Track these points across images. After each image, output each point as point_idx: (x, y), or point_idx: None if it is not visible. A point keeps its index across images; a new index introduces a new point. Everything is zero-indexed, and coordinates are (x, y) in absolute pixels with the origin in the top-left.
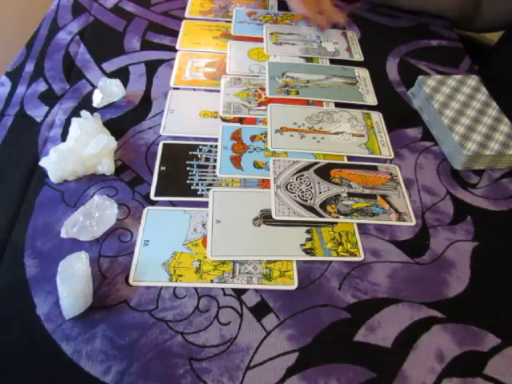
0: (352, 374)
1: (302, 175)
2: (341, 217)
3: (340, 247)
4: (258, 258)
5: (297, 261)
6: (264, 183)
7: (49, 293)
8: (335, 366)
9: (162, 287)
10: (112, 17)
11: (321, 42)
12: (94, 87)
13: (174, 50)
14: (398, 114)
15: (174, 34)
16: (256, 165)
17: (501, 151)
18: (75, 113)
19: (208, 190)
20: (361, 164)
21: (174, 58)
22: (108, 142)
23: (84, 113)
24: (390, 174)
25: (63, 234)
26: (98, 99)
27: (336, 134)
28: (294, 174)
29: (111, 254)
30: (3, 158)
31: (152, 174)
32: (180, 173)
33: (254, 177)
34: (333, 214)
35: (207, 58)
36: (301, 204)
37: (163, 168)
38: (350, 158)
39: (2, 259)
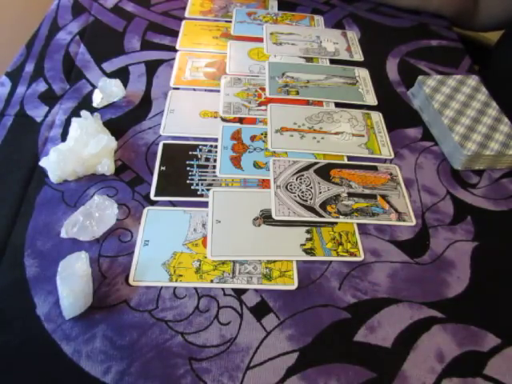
0: (352, 374)
1: (302, 175)
2: (341, 217)
3: (340, 247)
4: (258, 258)
5: (297, 261)
6: (264, 183)
7: (49, 293)
8: (335, 366)
9: (162, 287)
10: (112, 17)
11: (321, 42)
12: (94, 87)
13: (174, 49)
14: (398, 113)
15: (174, 34)
16: (256, 165)
17: (501, 151)
18: (75, 113)
19: (208, 189)
20: (361, 164)
21: (173, 58)
22: (108, 141)
23: (84, 113)
24: (390, 174)
25: (63, 234)
26: (98, 99)
27: (336, 134)
28: (294, 174)
29: (111, 254)
30: (3, 157)
31: (152, 174)
32: (180, 173)
33: (254, 177)
34: (333, 214)
35: (207, 57)
36: (301, 204)
37: (163, 168)
38: (350, 158)
39: (2, 259)
